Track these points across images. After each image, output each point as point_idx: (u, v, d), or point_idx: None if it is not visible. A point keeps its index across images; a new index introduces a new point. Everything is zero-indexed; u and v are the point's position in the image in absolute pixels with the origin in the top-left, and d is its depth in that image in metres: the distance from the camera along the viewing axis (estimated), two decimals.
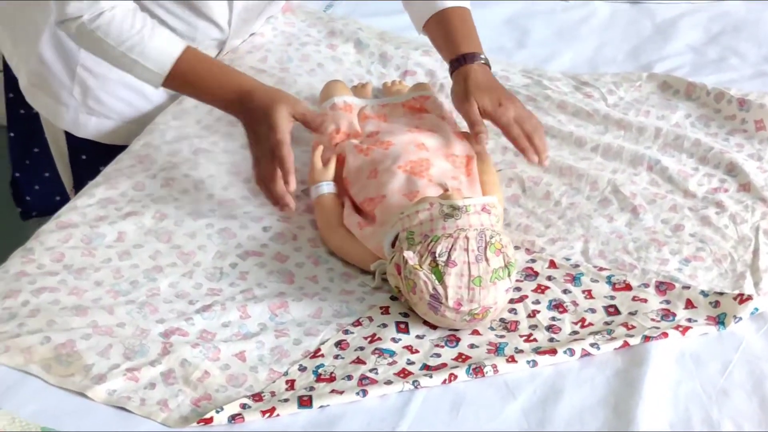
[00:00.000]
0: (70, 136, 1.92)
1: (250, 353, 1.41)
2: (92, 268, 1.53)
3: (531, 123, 1.64)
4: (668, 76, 1.93)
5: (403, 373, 1.37)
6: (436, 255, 1.39)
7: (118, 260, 1.54)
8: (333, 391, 1.34)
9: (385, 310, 1.48)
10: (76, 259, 1.54)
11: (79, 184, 1.99)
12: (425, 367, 1.39)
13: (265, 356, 1.41)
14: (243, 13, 1.85)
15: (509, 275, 1.42)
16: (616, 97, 1.90)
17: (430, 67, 1.98)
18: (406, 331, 1.45)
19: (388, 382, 1.35)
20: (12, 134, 2.04)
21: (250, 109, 1.57)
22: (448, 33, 1.73)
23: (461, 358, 1.40)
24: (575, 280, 1.52)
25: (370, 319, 1.47)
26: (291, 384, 1.37)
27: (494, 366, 1.37)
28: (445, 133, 1.66)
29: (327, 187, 1.62)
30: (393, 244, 1.49)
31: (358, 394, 1.34)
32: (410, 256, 1.41)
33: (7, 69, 1.98)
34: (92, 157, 1.94)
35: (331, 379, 1.37)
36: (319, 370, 1.39)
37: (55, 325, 1.42)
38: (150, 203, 1.64)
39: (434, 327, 1.45)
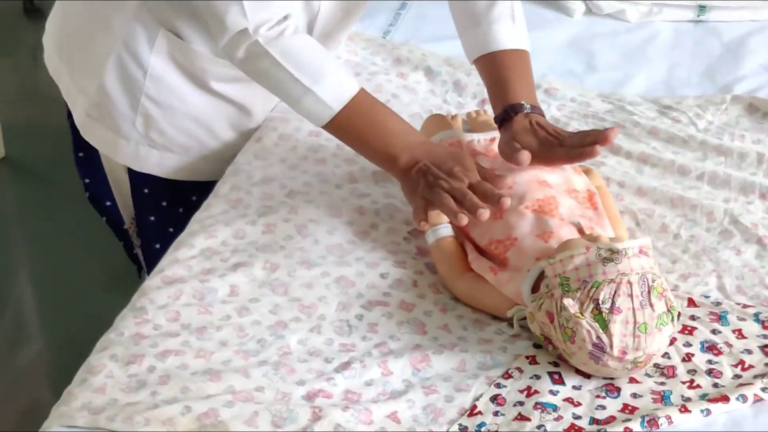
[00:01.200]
0: (131, 170, 1.81)
1: (402, 413, 1.33)
2: (212, 326, 1.43)
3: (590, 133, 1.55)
4: (754, 98, 1.88)
5: (573, 429, 1.30)
6: (599, 302, 1.32)
7: (237, 317, 1.45)
8: None
9: (533, 360, 1.41)
10: (193, 317, 1.44)
11: (141, 220, 1.88)
12: (594, 421, 1.31)
13: (419, 416, 1.33)
14: (321, 38, 1.75)
15: (673, 320, 1.35)
16: (705, 122, 1.84)
17: None
18: (561, 382, 1.37)
19: None
20: (87, 180, 1.92)
21: (434, 154, 1.50)
22: (497, 80, 1.63)
23: (628, 409, 1.33)
24: (721, 319, 1.46)
25: (520, 370, 1.39)
26: None
27: (668, 417, 1.31)
28: (563, 168, 1.58)
29: (445, 230, 1.53)
30: (533, 289, 1.42)
31: None
32: (570, 303, 1.33)
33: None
34: (155, 191, 1.83)
35: None
36: (482, 429, 1.31)
37: (190, 392, 1.32)
38: (256, 252, 1.54)
39: (588, 376, 1.38)
